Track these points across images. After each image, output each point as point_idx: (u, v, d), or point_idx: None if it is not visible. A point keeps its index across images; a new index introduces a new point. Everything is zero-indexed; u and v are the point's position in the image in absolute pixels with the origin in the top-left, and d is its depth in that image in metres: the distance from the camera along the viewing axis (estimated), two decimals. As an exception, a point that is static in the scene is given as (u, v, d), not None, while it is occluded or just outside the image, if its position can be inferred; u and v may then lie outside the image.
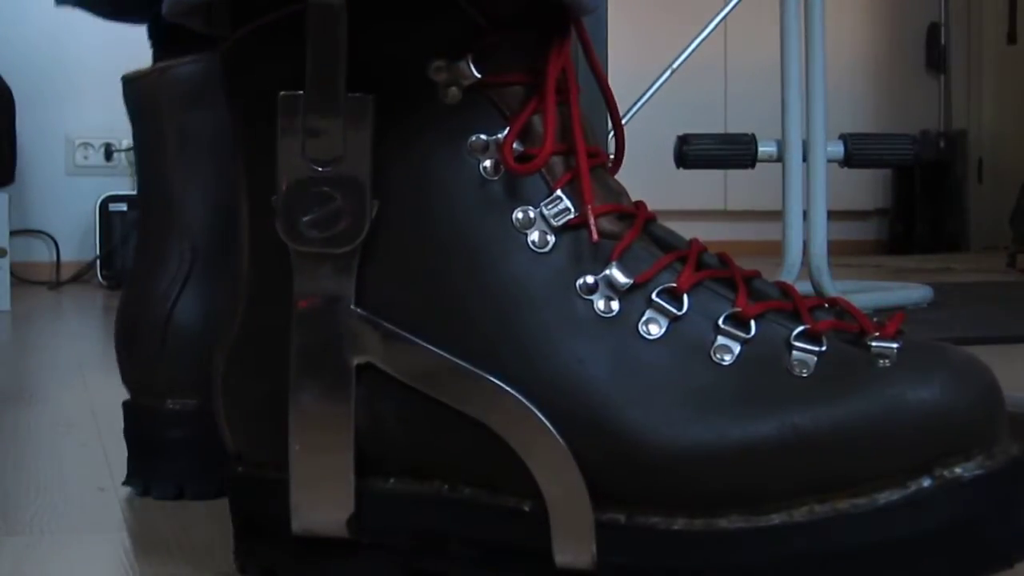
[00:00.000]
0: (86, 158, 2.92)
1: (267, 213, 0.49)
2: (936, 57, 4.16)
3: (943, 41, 4.16)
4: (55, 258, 2.83)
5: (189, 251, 0.67)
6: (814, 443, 0.44)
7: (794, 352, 0.46)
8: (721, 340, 0.46)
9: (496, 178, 0.47)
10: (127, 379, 0.70)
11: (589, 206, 0.47)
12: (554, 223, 0.47)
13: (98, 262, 2.70)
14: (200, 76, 0.67)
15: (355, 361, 0.48)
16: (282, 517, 0.49)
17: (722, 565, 0.44)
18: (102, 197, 2.72)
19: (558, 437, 0.45)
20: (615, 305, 0.47)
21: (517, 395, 0.46)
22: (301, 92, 0.47)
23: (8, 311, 2.02)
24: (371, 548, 0.49)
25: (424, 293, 0.48)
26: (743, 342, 0.46)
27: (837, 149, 1.79)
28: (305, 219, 0.48)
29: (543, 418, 0.46)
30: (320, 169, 0.47)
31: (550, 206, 0.47)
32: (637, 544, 0.45)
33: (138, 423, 0.69)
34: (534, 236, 0.47)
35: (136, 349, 0.68)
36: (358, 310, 0.48)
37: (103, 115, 2.76)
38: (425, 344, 0.47)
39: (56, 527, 0.63)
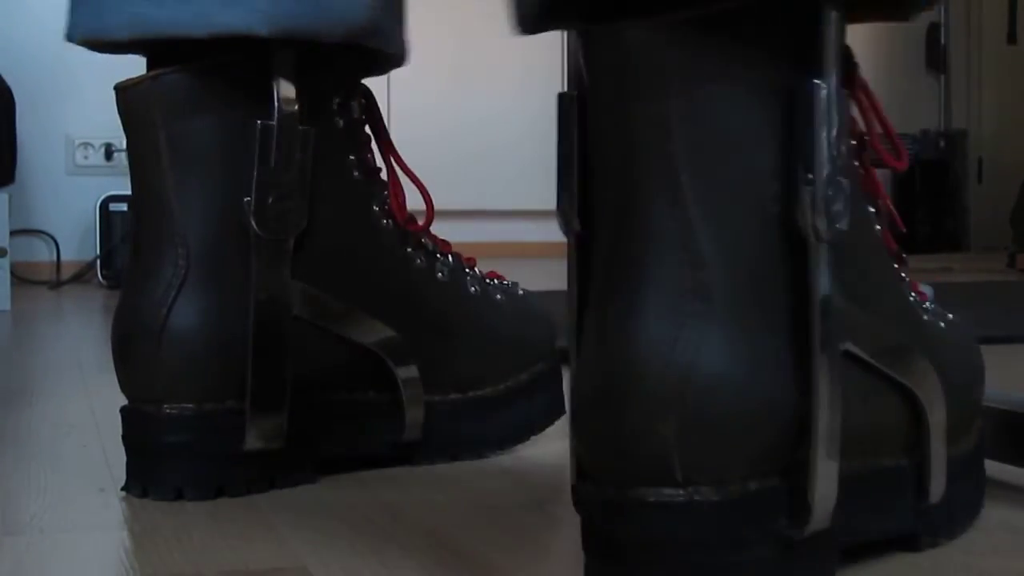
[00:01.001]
0: (86, 158, 2.92)
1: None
2: (936, 57, 4.16)
3: (943, 41, 4.16)
4: (55, 258, 2.83)
5: (183, 258, 0.67)
6: None
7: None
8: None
9: None
10: (125, 385, 0.70)
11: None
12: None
13: (98, 262, 2.70)
14: (192, 84, 0.67)
15: None
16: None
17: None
18: (102, 197, 2.72)
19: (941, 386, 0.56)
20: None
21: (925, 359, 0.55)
22: None
23: (8, 311, 2.02)
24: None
25: None
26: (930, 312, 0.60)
27: (837, 149, 1.79)
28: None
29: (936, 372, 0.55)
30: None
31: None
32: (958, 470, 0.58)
33: (136, 428, 0.69)
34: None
35: (133, 356, 0.68)
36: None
37: (103, 115, 2.74)
38: None
39: (56, 527, 0.63)
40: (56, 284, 2.69)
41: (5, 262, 2.07)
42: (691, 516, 0.46)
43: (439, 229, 0.78)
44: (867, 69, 0.50)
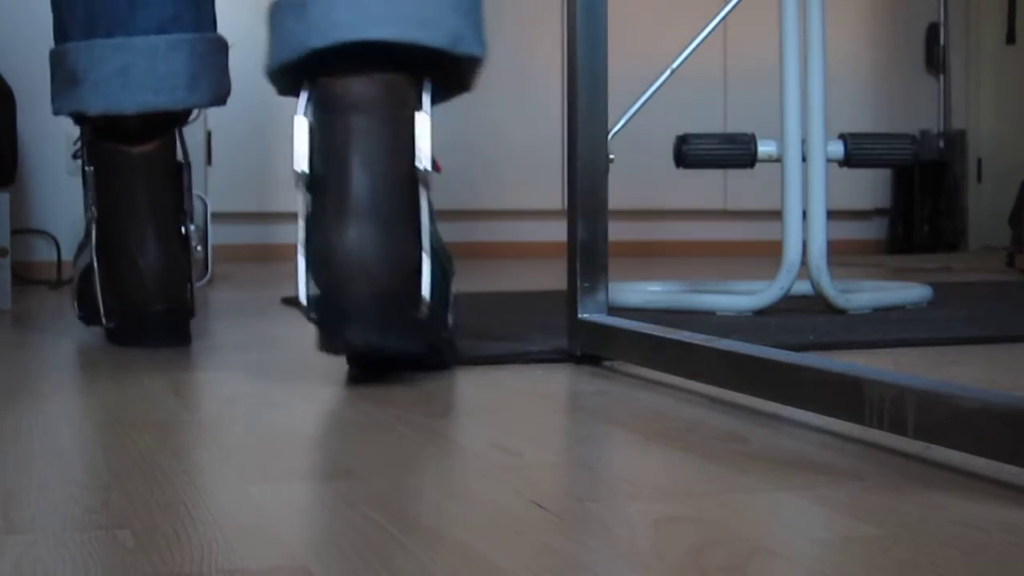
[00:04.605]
0: (86, 158, 2.92)
1: None
2: (935, 57, 4.16)
3: (942, 41, 4.16)
4: (56, 257, 2.83)
5: None
6: None
7: None
8: None
9: None
10: None
11: None
12: None
13: (98, 262, 2.69)
14: None
15: None
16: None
17: None
18: (102, 197, 2.72)
19: None
20: None
21: None
22: None
23: (8, 310, 2.02)
24: None
25: None
26: None
27: (837, 149, 1.79)
28: None
29: None
30: None
31: None
32: None
33: None
34: None
35: None
36: None
37: (103, 115, 2.75)
38: None
39: (56, 526, 0.63)
40: (56, 284, 2.69)
41: (6, 262, 2.08)
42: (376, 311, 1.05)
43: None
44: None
